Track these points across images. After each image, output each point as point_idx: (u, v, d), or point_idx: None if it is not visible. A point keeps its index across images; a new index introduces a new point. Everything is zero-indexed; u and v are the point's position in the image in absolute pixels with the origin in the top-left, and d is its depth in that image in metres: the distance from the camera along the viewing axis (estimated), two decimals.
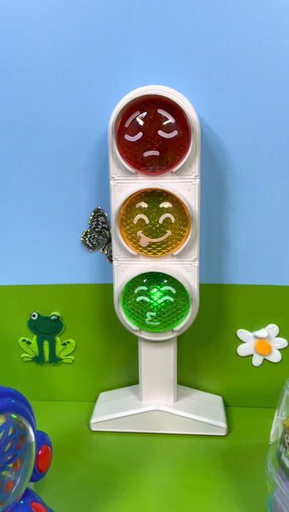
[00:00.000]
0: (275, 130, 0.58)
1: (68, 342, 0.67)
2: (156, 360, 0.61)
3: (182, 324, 0.58)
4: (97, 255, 0.64)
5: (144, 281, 0.58)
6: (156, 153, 0.54)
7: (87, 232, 0.63)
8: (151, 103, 0.54)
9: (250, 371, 0.65)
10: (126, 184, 0.55)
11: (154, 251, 0.57)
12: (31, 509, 0.40)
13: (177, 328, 0.59)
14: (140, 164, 0.55)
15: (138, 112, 0.54)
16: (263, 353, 0.64)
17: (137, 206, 0.56)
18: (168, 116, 0.54)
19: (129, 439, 0.60)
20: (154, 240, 0.57)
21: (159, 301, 0.58)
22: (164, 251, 0.57)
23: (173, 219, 0.56)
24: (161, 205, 0.56)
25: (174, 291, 0.58)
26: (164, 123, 0.54)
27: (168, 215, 0.56)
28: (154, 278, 0.58)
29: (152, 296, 0.58)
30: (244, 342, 0.65)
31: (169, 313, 0.58)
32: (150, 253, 0.57)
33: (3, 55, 0.59)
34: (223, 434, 0.60)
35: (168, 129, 0.54)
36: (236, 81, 0.57)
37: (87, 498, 0.50)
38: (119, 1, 0.56)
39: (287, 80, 0.56)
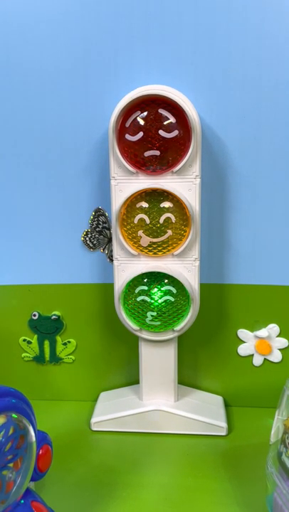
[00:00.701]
0: (276, 130, 0.58)
1: (69, 342, 0.67)
2: (157, 359, 0.61)
3: (183, 324, 0.58)
4: (98, 255, 0.64)
5: (145, 280, 0.58)
6: (157, 152, 0.54)
7: (87, 231, 0.63)
8: (151, 103, 0.54)
9: (251, 371, 0.65)
10: (127, 184, 0.55)
11: (155, 251, 0.57)
12: (32, 509, 0.40)
13: (178, 327, 0.59)
14: (141, 164, 0.55)
15: (139, 112, 0.54)
16: (263, 352, 0.64)
17: (138, 206, 0.56)
18: (169, 116, 0.54)
19: (129, 439, 0.60)
20: (155, 240, 0.57)
21: (160, 301, 0.58)
22: (164, 251, 0.57)
23: (174, 219, 0.56)
24: (161, 205, 0.56)
25: (174, 290, 0.58)
26: (165, 123, 0.54)
27: (169, 214, 0.56)
28: (155, 278, 0.58)
29: (153, 296, 0.58)
30: (245, 342, 0.65)
31: (170, 312, 0.59)
32: (151, 253, 0.57)
33: (3, 54, 0.59)
34: (223, 434, 0.60)
35: (169, 128, 0.54)
36: (237, 81, 0.57)
37: (88, 497, 0.50)
38: (120, 1, 0.56)
39: (288, 79, 0.56)
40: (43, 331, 0.67)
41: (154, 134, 0.54)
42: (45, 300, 0.66)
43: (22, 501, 0.40)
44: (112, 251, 0.60)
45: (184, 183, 0.55)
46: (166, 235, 0.56)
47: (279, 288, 0.62)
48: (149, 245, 0.57)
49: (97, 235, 0.63)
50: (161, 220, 0.56)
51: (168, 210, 0.56)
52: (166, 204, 0.56)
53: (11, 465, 0.38)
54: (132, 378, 0.67)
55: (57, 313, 0.66)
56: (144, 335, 0.60)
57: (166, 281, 0.58)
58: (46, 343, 0.67)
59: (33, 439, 0.39)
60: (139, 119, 0.54)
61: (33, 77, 0.59)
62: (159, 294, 0.58)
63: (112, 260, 0.60)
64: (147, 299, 0.58)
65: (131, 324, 0.59)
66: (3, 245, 0.65)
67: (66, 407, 0.67)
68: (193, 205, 0.55)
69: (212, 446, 0.58)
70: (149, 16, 0.56)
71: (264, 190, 0.60)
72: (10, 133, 0.61)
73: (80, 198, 0.62)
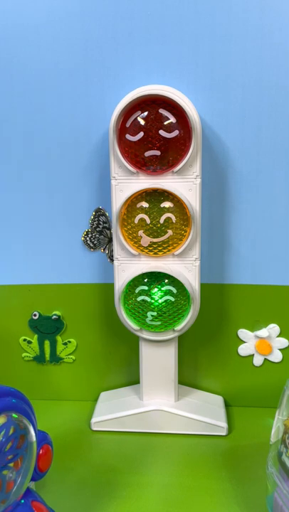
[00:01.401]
0: (277, 130, 0.58)
1: (69, 341, 0.67)
2: (157, 359, 0.61)
3: (183, 324, 0.58)
4: (98, 255, 0.64)
5: (145, 280, 0.58)
6: (158, 152, 0.54)
7: (88, 231, 0.63)
8: (152, 103, 0.54)
9: (251, 371, 0.65)
10: (127, 184, 0.55)
11: (155, 251, 0.57)
12: (32, 508, 0.40)
13: (178, 327, 0.59)
14: (141, 164, 0.55)
15: (139, 112, 0.54)
16: (263, 352, 0.64)
17: (138, 206, 0.56)
18: (169, 116, 0.54)
19: (129, 439, 0.60)
20: (155, 240, 0.57)
21: (160, 301, 0.58)
22: (165, 251, 0.57)
23: (174, 219, 0.56)
24: (162, 205, 0.56)
25: (174, 290, 0.58)
26: (165, 123, 0.54)
27: (169, 214, 0.56)
28: (155, 278, 0.58)
29: (153, 296, 0.58)
30: (245, 342, 0.65)
31: (170, 312, 0.59)
32: (151, 253, 0.57)
33: (3, 54, 0.59)
34: (223, 433, 0.60)
35: (169, 128, 0.54)
36: (237, 80, 0.57)
37: (88, 497, 0.50)
38: (121, 1, 0.56)
39: (288, 79, 0.56)
40: (44, 330, 0.67)
41: (154, 134, 0.54)
42: (46, 300, 0.66)
43: (22, 501, 0.40)
44: (112, 251, 0.60)
45: (184, 183, 0.55)
46: (166, 235, 0.56)
47: (279, 288, 0.62)
48: (150, 245, 0.57)
49: (97, 235, 0.63)
50: (162, 220, 0.56)
51: (168, 210, 0.56)
52: (167, 204, 0.56)
53: (11, 465, 0.38)
54: (132, 378, 0.67)
55: (57, 313, 0.66)
56: (145, 335, 0.60)
57: (166, 281, 0.58)
58: (46, 343, 0.67)
59: (34, 438, 0.40)
60: (139, 119, 0.54)
61: (34, 77, 0.59)
62: (160, 293, 0.58)
63: (112, 260, 0.60)
64: (148, 298, 0.58)
65: (131, 324, 0.59)
66: (4, 245, 0.65)
67: (66, 407, 0.67)
68: (194, 205, 0.55)
69: (212, 446, 0.58)
70: (149, 16, 0.56)
71: (264, 190, 0.60)
72: (10, 133, 0.61)
73: (80, 198, 0.62)
